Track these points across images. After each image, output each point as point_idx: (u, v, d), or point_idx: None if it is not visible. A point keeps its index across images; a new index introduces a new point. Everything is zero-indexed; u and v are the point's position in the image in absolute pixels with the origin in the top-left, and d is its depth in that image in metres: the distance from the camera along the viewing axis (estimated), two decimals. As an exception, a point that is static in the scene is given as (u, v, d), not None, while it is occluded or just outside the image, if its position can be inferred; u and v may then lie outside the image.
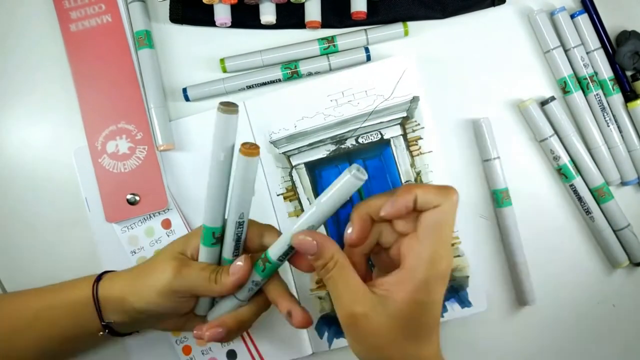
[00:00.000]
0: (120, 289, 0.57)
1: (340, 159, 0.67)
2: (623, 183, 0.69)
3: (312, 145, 0.67)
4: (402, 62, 0.66)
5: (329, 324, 0.66)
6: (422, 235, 0.47)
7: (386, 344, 0.47)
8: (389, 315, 0.46)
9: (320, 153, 0.67)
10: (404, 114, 0.67)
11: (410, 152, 0.67)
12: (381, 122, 0.67)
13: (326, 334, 0.66)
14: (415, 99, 0.66)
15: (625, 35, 0.67)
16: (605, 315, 0.70)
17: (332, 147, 0.67)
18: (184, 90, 0.67)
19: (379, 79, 0.67)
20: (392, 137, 0.67)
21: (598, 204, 0.68)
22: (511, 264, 0.68)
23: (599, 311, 0.70)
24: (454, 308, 0.66)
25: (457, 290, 0.66)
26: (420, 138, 0.67)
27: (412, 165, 0.67)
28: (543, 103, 0.67)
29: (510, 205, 0.67)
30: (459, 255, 0.66)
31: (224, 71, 0.68)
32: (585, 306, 0.70)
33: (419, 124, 0.67)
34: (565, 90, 0.67)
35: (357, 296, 0.47)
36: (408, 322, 0.47)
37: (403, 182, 0.67)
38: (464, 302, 0.66)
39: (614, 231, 0.68)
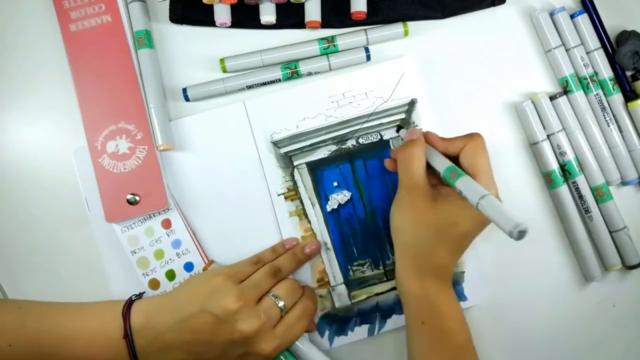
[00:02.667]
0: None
1: (341, 159, 0.67)
2: (623, 183, 0.69)
3: (314, 146, 0.67)
4: (401, 65, 0.67)
5: (330, 323, 0.66)
6: (464, 166, 0.59)
7: (424, 224, 0.59)
8: (437, 209, 0.59)
9: (322, 153, 0.67)
10: (403, 116, 0.67)
11: (409, 152, 0.67)
12: (381, 124, 0.67)
13: (327, 332, 0.67)
14: (413, 102, 0.67)
15: (625, 35, 0.67)
16: (605, 315, 0.70)
17: (334, 147, 0.67)
18: (184, 90, 0.67)
19: (379, 81, 0.67)
20: (391, 138, 0.68)
21: (597, 203, 0.68)
22: (573, 243, 0.68)
23: (599, 311, 0.70)
24: None
25: (453, 285, 0.66)
26: (419, 139, 0.67)
27: (411, 165, 0.67)
28: (552, 98, 0.67)
29: (564, 185, 0.67)
30: None
31: (224, 71, 0.67)
32: (585, 306, 0.70)
33: (417, 125, 0.67)
34: (566, 90, 0.67)
35: (422, 178, 0.59)
36: (446, 223, 0.59)
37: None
38: (460, 297, 0.67)
39: (610, 232, 0.68)
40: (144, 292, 0.64)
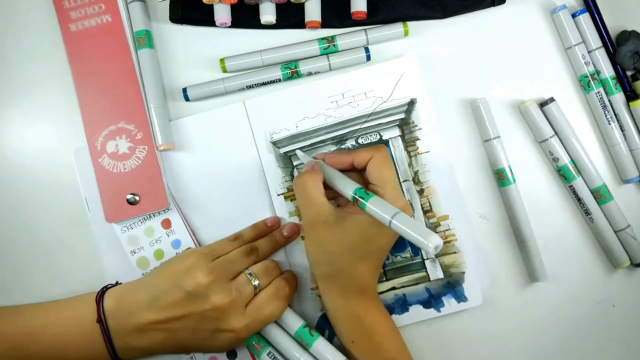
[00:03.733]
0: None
1: (341, 158, 0.67)
2: (624, 181, 0.69)
3: (313, 146, 0.67)
4: (400, 65, 0.67)
5: (329, 322, 0.66)
6: (371, 179, 0.59)
7: (337, 251, 0.59)
8: (346, 229, 0.58)
9: (322, 153, 0.67)
10: (402, 116, 0.67)
11: (408, 152, 0.67)
12: (380, 124, 0.67)
13: (327, 331, 0.67)
14: (412, 102, 0.67)
15: (626, 35, 0.67)
16: (605, 315, 0.70)
17: (333, 148, 0.67)
18: (184, 90, 0.67)
19: (378, 81, 0.67)
20: (390, 138, 0.67)
21: (598, 205, 0.68)
22: (520, 242, 0.68)
23: (599, 311, 0.70)
24: (450, 303, 0.67)
25: (453, 286, 0.67)
26: (418, 139, 0.67)
27: (410, 165, 0.67)
28: (542, 104, 0.67)
29: (513, 183, 0.67)
30: (455, 252, 0.67)
31: (224, 71, 0.68)
32: (585, 306, 0.70)
33: (416, 125, 0.67)
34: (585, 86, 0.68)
35: (326, 205, 0.59)
36: (359, 241, 0.59)
37: (402, 181, 0.67)
38: (460, 297, 0.67)
39: (615, 232, 0.68)
40: (120, 283, 0.64)
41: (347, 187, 0.58)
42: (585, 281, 0.69)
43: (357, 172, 0.62)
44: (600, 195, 0.67)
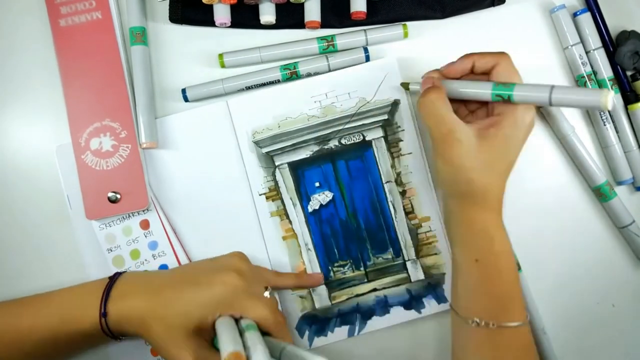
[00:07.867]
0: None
1: (323, 159, 0.67)
2: (618, 182, 0.69)
3: (295, 146, 0.67)
4: (384, 66, 0.67)
5: (310, 323, 0.66)
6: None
7: (471, 167, 0.56)
8: (481, 145, 0.56)
9: (304, 153, 0.67)
10: (385, 117, 0.66)
11: (391, 153, 0.67)
12: (363, 124, 0.67)
13: (307, 332, 0.67)
14: (396, 103, 0.66)
15: (625, 35, 0.67)
16: (605, 315, 0.69)
17: (316, 148, 0.67)
18: (183, 90, 0.67)
19: (362, 81, 0.66)
20: (373, 139, 0.67)
21: (600, 202, 0.68)
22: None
23: (599, 311, 0.69)
24: (430, 304, 0.67)
25: (434, 287, 0.67)
26: (401, 140, 0.66)
27: (393, 166, 0.67)
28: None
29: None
30: (435, 254, 0.67)
31: (222, 66, 0.67)
32: (585, 306, 0.69)
33: (399, 126, 0.66)
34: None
35: (458, 122, 0.57)
36: (494, 156, 0.57)
37: (384, 182, 0.67)
38: (441, 299, 0.67)
39: (618, 229, 0.68)
40: None
41: (482, 87, 0.57)
42: (584, 281, 0.69)
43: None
44: (601, 193, 0.67)
